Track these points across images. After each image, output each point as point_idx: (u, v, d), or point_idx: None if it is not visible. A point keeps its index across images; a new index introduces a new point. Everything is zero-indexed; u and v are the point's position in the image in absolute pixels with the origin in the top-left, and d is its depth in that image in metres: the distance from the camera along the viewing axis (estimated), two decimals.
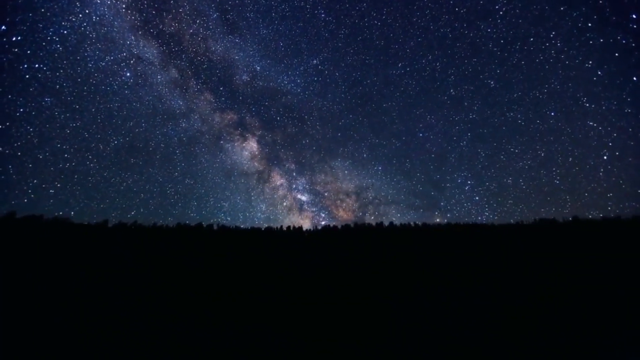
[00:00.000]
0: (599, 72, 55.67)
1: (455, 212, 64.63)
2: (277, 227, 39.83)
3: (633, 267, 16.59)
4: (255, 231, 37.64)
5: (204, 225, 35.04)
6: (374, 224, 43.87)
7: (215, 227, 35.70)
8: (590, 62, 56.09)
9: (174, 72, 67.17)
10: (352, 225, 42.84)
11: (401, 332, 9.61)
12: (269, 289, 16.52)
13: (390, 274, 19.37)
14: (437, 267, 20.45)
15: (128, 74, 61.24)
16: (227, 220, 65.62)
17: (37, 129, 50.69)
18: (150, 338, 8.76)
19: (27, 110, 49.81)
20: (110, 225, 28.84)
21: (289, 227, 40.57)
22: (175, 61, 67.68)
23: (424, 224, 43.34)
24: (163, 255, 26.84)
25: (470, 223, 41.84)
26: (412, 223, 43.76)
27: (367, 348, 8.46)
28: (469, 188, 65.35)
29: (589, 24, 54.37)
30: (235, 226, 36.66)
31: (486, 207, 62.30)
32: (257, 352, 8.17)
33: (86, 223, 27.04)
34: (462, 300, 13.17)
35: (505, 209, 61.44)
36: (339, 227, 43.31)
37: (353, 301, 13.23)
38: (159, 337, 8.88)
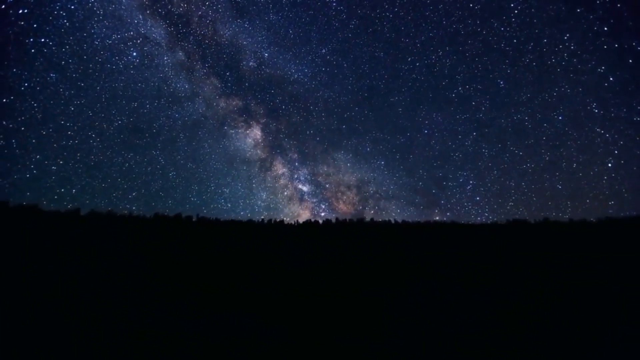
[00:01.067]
0: (611, 78, 52.93)
1: (455, 211, 64.27)
2: (257, 220, 40.17)
3: (631, 267, 16.43)
4: (235, 223, 37.95)
5: (183, 216, 35.29)
6: (355, 220, 44.05)
7: (194, 218, 35.96)
8: (603, 67, 53.18)
9: (180, 55, 64.97)
10: (333, 221, 43.04)
11: (387, 328, 9.52)
12: (248, 282, 16.60)
13: (372, 271, 19.40)
14: (422, 265, 20.43)
15: (134, 54, 59.12)
16: (227, 206, 66.02)
17: (41, 105, 49.85)
18: (123, 333, 8.72)
19: (32, 85, 48.86)
20: (82, 213, 29.02)
21: (269, 220, 40.89)
22: (182, 43, 65.18)
23: (404, 222, 43.50)
24: (138, 247, 27.05)
25: (453, 222, 41.87)
26: (392, 220, 43.99)
27: (356, 344, 8.38)
28: (470, 188, 64.55)
29: (605, 28, 50.93)
30: (215, 218, 36.98)
31: (486, 208, 61.78)
32: (237, 347, 8.09)
33: (57, 210, 27.18)
34: (451, 297, 13.09)
35: (506, 210, 60.99)
36: (320, 222, 43.55)
37: (332, 297, 13.25)
38: (131, 332, 8.84)
